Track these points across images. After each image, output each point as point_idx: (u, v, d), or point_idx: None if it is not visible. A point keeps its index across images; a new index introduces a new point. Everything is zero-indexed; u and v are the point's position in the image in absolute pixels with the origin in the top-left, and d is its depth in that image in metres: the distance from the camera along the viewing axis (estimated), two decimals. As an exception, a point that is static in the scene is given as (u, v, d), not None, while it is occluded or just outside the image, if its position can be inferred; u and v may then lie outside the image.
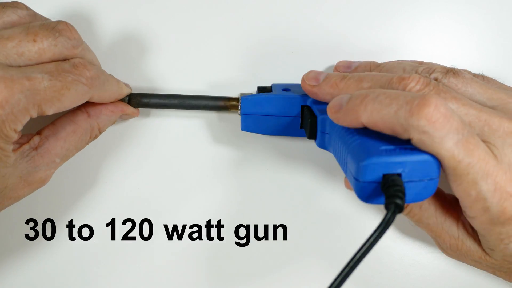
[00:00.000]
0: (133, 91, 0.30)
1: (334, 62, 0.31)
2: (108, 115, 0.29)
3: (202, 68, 0.32)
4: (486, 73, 0.28)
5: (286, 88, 0.29)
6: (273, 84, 0.30)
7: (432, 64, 0.29)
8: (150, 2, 0.32)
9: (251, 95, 0.29)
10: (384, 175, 0.20)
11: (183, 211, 0.32)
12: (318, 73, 0.27)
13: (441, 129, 0.20)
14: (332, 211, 0.32)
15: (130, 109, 0.30)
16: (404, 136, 0.21)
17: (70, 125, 0.27)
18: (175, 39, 0.32)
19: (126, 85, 0.30)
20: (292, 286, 0.32)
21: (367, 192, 0.20)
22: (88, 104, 0.28)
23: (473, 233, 0.25)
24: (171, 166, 0.33)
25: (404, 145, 0.21)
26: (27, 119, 0.23)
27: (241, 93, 0.30)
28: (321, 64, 0.32)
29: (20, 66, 0.23)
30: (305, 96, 0.28)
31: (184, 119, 0.32)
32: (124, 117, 0.31)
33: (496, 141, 0.22)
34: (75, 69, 0.24)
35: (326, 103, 0.25)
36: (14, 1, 0.26)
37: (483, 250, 0.25)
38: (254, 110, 0.28)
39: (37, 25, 0.24)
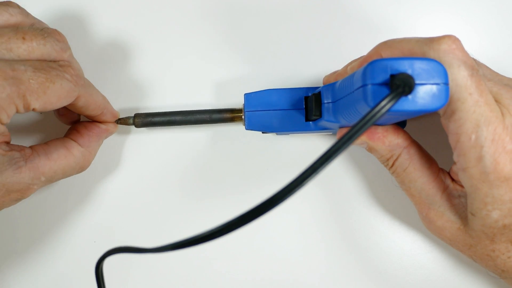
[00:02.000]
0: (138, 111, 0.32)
1: (332, 66, 0.32)
2: (95, 140, 0.30)
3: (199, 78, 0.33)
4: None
5: None
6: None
7: None
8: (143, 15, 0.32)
9: (254, 91, 0.29)
10: (392, 75, 0.20)
11: (185, 214, 0.33)
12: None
13: (460, 56, 0.21)
14: (334, 211, 0.32)
15: (110, 125, 0.31)
16: None
17: (63, 150, 0.27)
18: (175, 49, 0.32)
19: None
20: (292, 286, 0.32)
21: (375, 96, 0.20)
22: (77, 136, 0.29)
23: (454, 205, 0.25)
24: (173, 170, 0.33)
25: None
26: (12, 110, 0.23)
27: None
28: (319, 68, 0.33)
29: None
30: (307, 88, 0.29)
31: (185, 126, 0.33)
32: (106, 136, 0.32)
33: (504, 101, 0.23)
34: (60, 66, 0.25)
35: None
36: (6, 1, 0.26)
37: (464, 222, 0.25)
38: (258, 105, 0.29)
39: (27, 26, 0.25)
